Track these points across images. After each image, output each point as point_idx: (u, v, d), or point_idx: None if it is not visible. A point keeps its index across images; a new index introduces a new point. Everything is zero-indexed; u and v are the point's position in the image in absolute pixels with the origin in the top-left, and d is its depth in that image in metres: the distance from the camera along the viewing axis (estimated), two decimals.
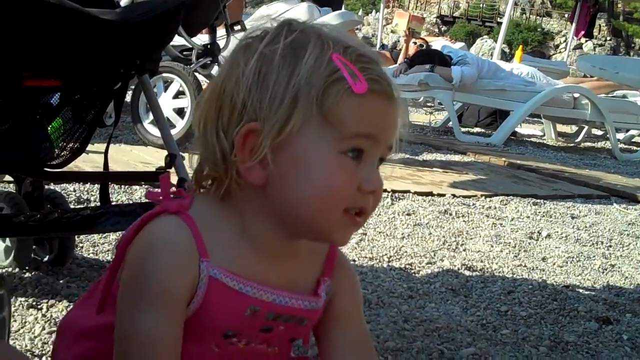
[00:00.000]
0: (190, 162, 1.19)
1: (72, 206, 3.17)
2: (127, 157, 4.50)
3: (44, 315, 2.17)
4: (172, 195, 1.18)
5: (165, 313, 1.09)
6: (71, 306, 2.09)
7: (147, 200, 1.23)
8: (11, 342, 1.94)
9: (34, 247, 2.55)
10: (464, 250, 3.49)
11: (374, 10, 51.46)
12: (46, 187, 2.63)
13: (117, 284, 1.15)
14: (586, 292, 2.99)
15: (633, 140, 10.23)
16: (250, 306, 1.13)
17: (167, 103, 5.12)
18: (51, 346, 1.92)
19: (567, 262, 3.46)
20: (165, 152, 2.22)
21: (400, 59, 10.88)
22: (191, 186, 1.19)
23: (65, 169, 2.40)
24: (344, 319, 1.26)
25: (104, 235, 2.90)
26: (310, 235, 1.15)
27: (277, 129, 1.07)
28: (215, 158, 1.11)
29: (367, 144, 1.09)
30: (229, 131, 1.10)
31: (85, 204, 3.41)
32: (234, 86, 1.09)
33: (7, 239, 2.51)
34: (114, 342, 1.12)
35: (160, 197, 1.18)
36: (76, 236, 2.64)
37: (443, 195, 4.70)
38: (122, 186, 3.70)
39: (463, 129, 8.69)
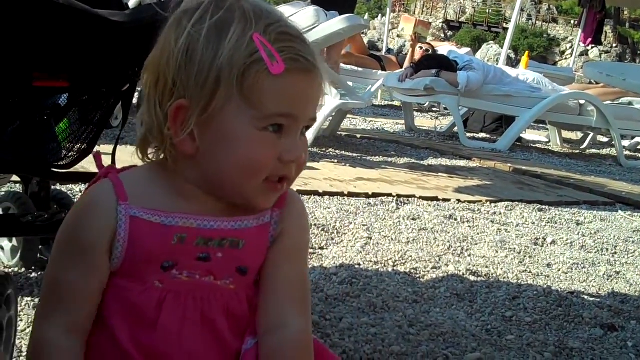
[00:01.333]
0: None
1: None
2: (131, 158, 4.49)
3: None
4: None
5: (81, 262, 1.18)
6: None
7: None
8: (17, 342, 1.95)
9: (40, 247, 2.55)
10: (469, 255, 3.48)
11: (380, 15, 51.50)
12: (53, 187, 2.64)
13: None
14: (591, 299, 2.99)
15: (638, 147, 10.21)
16: (175, 234, 1.19)
17: None
18: None
19: (572, 269, 3.45)
20: None
21: (406, 63, 10.87)
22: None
23: (71, 169, 2.41)
24: (289, 254, 1.28)
25: None
26: (236, 200, 1.21)
27: (202, 106, 1.15)
28: (153, 127, 1.19)
29: (286, 121, 1.16)
30: (164, 105, 1.17)
31: None
32: (166, 64, 1.16)
33: (14, 239, 2.52)
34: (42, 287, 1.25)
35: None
36: None
37: (448, 200, 4.70)
38: None
39: (468, 135, 8.68)
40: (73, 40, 1.91)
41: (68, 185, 3.55)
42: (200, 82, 1.14)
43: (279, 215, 1.27)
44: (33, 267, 2.51)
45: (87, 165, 3.27)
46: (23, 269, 2.51)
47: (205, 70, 1.14)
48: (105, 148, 2.94)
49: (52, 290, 1.21)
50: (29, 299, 2.28)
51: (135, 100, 5.02)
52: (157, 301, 1.20)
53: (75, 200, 3.35)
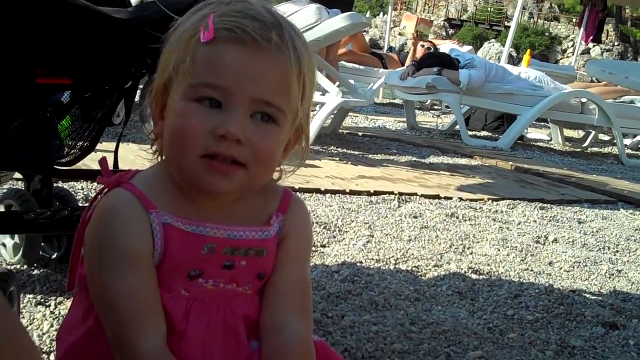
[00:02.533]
0: None
1: (80, 204, 3.18)
2: (134, 155, 4.50)
3: (52, 312, 2.18)
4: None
5: (132, 271, 1.16)
6: None
7: None
8: None
9: (42, 244, 2.56)
10: (471, 253, 3.48)
11: (381, 13, 51.48)
12: (55, 184, 2.64)
13: (82, 262, 1.23)
14: (593, 297, 2.99)
15: None
16: (206, 244, 1.19)
17: None
18: None
19: (573, 267, 3.45)
20: None
21: (408, 61, 10.87)
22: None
23: (74, 167, 2.41)
24: (291, 259, 1.29)
25: None
26: (188, 182, 1.19)
27: (156, 86, 1.19)
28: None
29: (218, 94, 1.14)
30: None
31: None
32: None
33: (16, 236, 2.52)
34: (98, 313, 1.19)
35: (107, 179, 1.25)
36: None
37: (450, 198, 4.70)
38: None
39: (470, 133, 8.68)
40: (76, 38, 1.91)
41: (70, 183, 3.55)
42: (161, 63, 1.18)
43: (282, 220, 1.27)
44: (35, 265, 2.52)
45: (90, 162, 3.28)
46: (25, 266, 2.51)
47: (166, 51, 1.18)
48: (107, 145, 2.95)
49: (123, 307, 1.15)
50: (31, 296, 2.28)
51: (137, 98, 5.03)
52: (185, 311, 1.20)
53: (82, 199, 3.37)
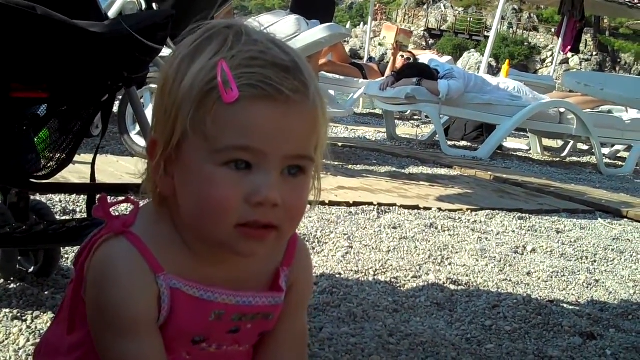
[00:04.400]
0: None
1: (58, 217, 3.17)
2: (113, 167, 4.49)
3: (28, 327, 2.16)
4: (113, 211, 1.19)
5: (142, 336, 1.12)
6: None
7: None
8: None
9: (19, 258, 2.54)
10: (450, 264, 3.49)
11: (362, 23, 51.63)
12: (32, 198, 2.63)
13: (83, 302, 1.17)
14: (570, 307, 3.00)
15: (618, 155, 10.28)
16: (214, 311, 1.15)
17: None
18: None
19: (551, 277, 3.46)
20: None
21: (388, 72, 10.90)
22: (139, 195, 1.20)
23: (51, 179, 2.40)
24: (292, 310, 1.25)
25: None
26: (219, 249, 1.12)
27: (165, 141, 1.08)
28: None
29: (248, 156, 1.04)
30: None
31: (71, 214, 3.40)
32: (154, 96, 1.13)
33: None
34: None
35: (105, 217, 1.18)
36: (62, 247, 2.64)
37: (429, 208, 4.71)
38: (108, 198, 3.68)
39: (449, 143, 8.72)
40: (51, 51, 1.91)
41: (48, 195, 3.53)
42: (167, 113, 1.08)
43: (288, 274, 1.23)
44: (11, 279, 2.50)
45: (67, 175, 3.26)
46: (1, 280, 2.50)
47: (170, 101, 1.07)
48: (85, 157, 2.94)
49: None
50: (7, 310, 2.26)
51: (115, 109, 5.01)
52: None
53: (60, 211, 3.35)
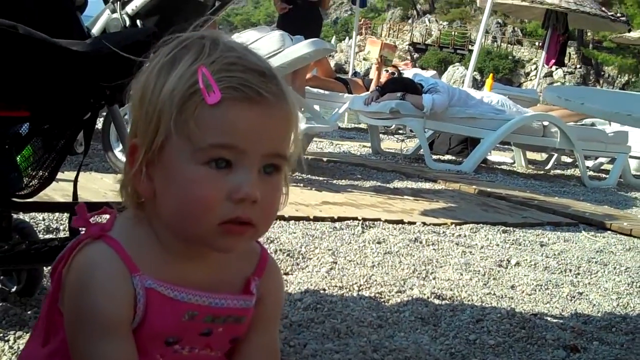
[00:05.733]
0: None
1: (41, 234, 3.16)
2: (97, 185, 4.48)
3: (11, 347, 2.16)
4: (92, 220, 1.22)
5: (116, 338, 1.14)
6: None
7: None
8: None
9: (1, 277, 2.53)
10: (434, 278, 3.50)
11: (347, 37, 51.79)
12: (15, 216, 2.62)
13: (59, 311, 1.20)
14: (554, 320, 3.01)
15: (602, 167, 10.32)
16: (187, 311, 1.18)
17: None
18: None
19: (535, 290, 3.48)
20: None
21: (372, 86, 10.93)
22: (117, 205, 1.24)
23: (34, 197, 2.39)
24: (262, 323, 1.29)
25: None
26: (199, 245, 1.17)
27: (147, 144, 1.13)
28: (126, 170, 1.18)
29: (229, 154, 1.10)
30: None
31: (55, 233, 3.39)
32: (131, 104, 1.17)
33: None
34: None
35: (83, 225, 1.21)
36: (44, 267, 2.63)
37: (413, 223, 4.72)
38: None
39: (434, 157, 8.73)
40: (33, 70, 1.91)
41: (31, 213, 3.52)
42: (147, 119, 1.12)
43: (258, 284, 1.26)
44: None
45: (51, 193, 3.26)
46: None
47: (151, 108, 1.12)
48: (69, 175, 2.93)
49: None
50: None
51: (99, 125, 5.00)
52: None
53: (43, 230, 3.34)
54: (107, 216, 1.23)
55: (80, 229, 1.22)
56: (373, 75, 12.61)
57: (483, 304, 3.14)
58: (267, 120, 1.12)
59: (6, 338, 2.21)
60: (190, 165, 1.10)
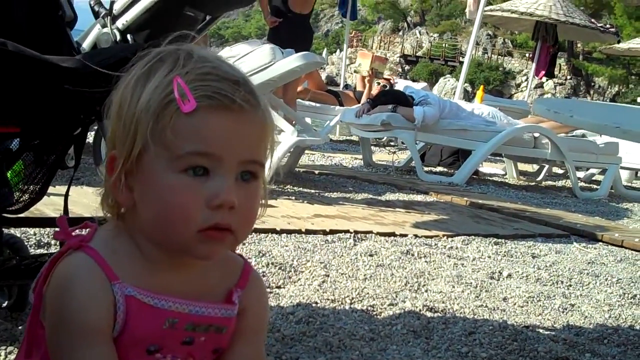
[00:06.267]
0: None
1: (32, 249, 3.15)
2: (88, 199, 4.46)
3: None
4: (74, 232, 1.23)
5: (96, 345, 1.15)
6: None
7: None
8: None
9: None
10: (426, 291, 3.50)
11: (338, 50, 51.91)
12: (5, 231, 2.61)
13: (41, 325, 1.20)
14: (546, 332, 3.01)
15: (593, 178, 10.35)
16: (167, 318, 1.18)
17: None
18: None
19: (527, 302, 3.48)
20: None
21: (363, 99, 10.96)
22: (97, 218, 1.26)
23: (25, 213, 2.39)
24: (247, 335, 1.29)
25: None
26: (181, 253, 1.18)
27: (125, 155, 1.15)
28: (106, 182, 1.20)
29: (206, 161, 1.13)
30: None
31: (46, 247, 3.38)
32: (110, 116, 1.19)
33: None
34: None
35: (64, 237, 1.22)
36: None
37: (405, 235, 4.72)
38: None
39: (426, 169, 8.75)
40: (23, 86, 1.91)
41: (22, 228, 3.51)
42: (124, 131, 1.15)
43: (240, 295, 1.27)
44: None
45: (42, 207, 3.25)
46: None
47: (129, 117, 1.14)
48: (60, 189, 2.92)
49: None
50: None
51: (90, 139, 5.00)
52: None
53: (34, 244, 3.33)
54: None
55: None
56: (358, 85, 12.66)
57: (475, 317, 3.14)
58: (241, 127, 1.15)
59: None
60: (167, 173, 1.13)
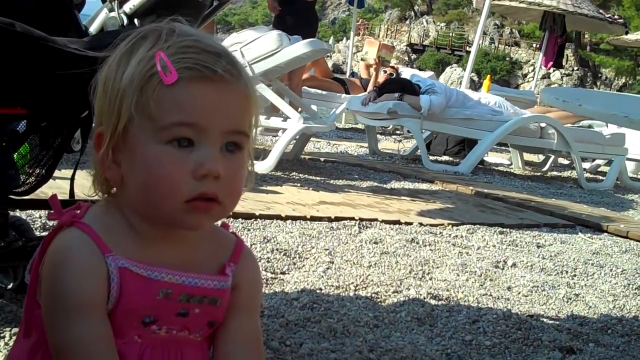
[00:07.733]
0: None
1: (37, 232, 3.15)
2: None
3: (6, 344, 2.16)
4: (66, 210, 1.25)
5: (91, 317, 1.16)
6: None
7: None
8: None
9: None
10: (430, 279, 3.50)
11: (345, 38, 51.75)
12: (11, 213, 2.62)
13: (38, 304, 1.21)
14: (550, 322, 3.01)
15: (599, 169, 10.34)
16: (161, 289, 1.19)
17: None
18: None
19: (532, 291, 3.48)
20: None
21: (370, 87, 10.94)
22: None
23: (31, 195, 2.39)
24: (241, 309, 1.30)
25: None
26: (169, 224, 1.20)
27: (111, 130, 1.17)
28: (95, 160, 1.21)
29: (190, 132, 1.14)
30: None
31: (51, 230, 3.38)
32: (96, 95, 1.21)
33: None
34: (53, 358, 1.18)
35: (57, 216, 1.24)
36: None
37: (410, 223, 4.72)
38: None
39: (431, 158, 8.74)
40: (30, 68, 1.90)
41: (28, 211, 3.52)
42: (109, 106, 1.17)
43: (234, 270, 1.28)
44: None
45: (48, 190, 3.25)
46: None
47: (113, 95, 1.16)
48: (66, 173, 2.92)
49: (78, 356, 1.16)
50: None
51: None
52: (138, 357, 1.21)
53: (40, 227, 3.33)
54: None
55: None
56: (362, 73, 12.64)
57: (479, 305, 3.14)
58: (223, 97, 1.16)
59: (2, 335, 2.21)
60: (153, 145, 1.14)
